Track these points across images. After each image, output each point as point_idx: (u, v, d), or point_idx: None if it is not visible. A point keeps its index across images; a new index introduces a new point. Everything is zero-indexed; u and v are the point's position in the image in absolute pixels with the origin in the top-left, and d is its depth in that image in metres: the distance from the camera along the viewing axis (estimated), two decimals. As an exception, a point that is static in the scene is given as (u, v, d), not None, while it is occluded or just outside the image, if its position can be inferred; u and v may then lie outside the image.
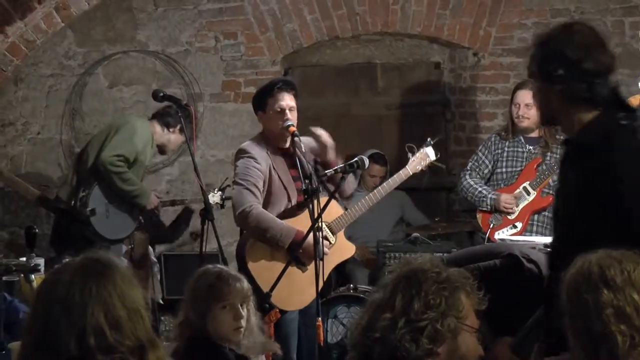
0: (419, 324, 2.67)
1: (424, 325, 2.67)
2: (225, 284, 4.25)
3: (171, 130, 7.23)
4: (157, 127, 7.22)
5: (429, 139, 6.28)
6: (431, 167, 6.27)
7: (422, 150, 6.23)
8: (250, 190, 5.65)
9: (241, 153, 5.79)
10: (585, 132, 3.56)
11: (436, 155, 6.24)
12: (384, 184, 6.13)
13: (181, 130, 7.13)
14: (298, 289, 5.56)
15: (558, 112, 3.66)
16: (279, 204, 5.76)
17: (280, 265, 5.38)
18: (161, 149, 7.32)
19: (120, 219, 7.03)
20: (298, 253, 5.50)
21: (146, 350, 2.58)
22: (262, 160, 5.71)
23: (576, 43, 3.59)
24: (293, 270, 5.55)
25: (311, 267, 5.48)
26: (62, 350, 2.53)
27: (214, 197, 7.13)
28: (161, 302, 7.09)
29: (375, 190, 6.07)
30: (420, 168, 6.21)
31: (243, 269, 5.52)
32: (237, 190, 5.69)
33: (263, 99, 5.80)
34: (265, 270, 5.51)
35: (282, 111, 5.72)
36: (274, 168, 5.75)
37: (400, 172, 6.13)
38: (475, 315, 2.79)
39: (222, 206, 7.17)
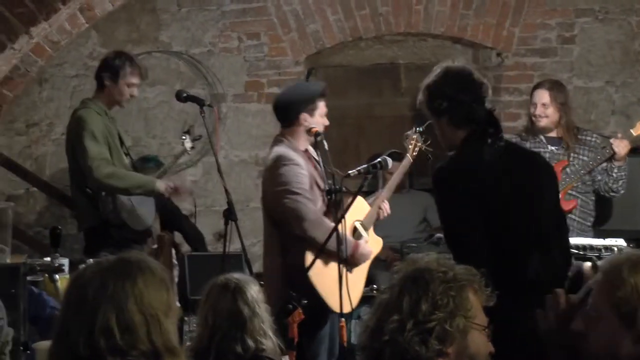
0: (427, 325, 2.65)
1: (432, 326, 2.65)
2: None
3: (109, 83, 6.68)
4: (101, 95, 6.75)
5: (415, 127, 6.29)
6: (423, 152, 6.30)
7: (413, 136, 6.26)
8: (310, 199, 5.67)
9: (284, 160, 5.71)
10: (459, 151, 4.42)
11: (425, 142, 6.23)
12: (394, 174, 6.21)
13: (132, 74, 6.68)
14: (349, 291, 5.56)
15: (450, 139, 4.47)
16: (317, 207, 5.78)
17: (333, 270, 5.48)
18: (117, 105, 6.84)
19: (144, 205, 6.86)
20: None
21: (161, 356, 2.56)
22: (304, 166, 5.72)
23: (451, 80, 4.45)
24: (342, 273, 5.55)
25: (357, 268, 5.72)
26: (73, 348, 2.53)
27: (186, 143, 6.97)
28: (177, 304, 7.07)
29: (389, 182, 6.15)
30: (415, 154, 6.24)
31: (302, 279, 5.47)
32: (296, 200, 5.63)
33: (315, 102, 5.85)
34: (324, 277, 5.57)
35: (326, 114, 5.88)
36: (310, 172, 5.76)
37: (403, 161, 6.17)
38: (483, 312, 2.77)
39: (193, 148, 7.07)
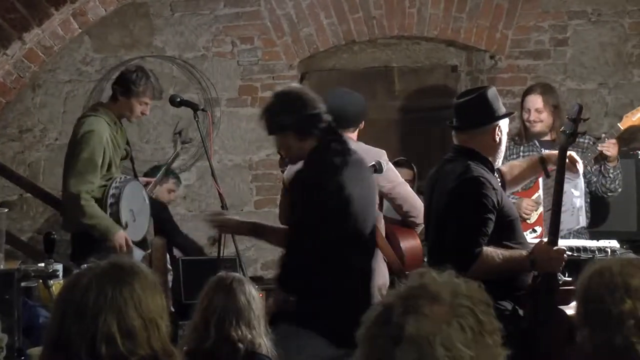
0: None
1: None
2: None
3: (121, 99, 6.67)
4: (113, 105, 6.74)
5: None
6: None
7: None
8: None
9: None
10: (309, 159, 4.93)
11: None
12: None
13: (144, 93, 6.64)
14: None
15: (297, 151, 4.95)
16: None
17: None
18: (127, 119, 6.86)
19: (142, 217, 6.85)
20: None
21: None
22: None
23: (293, 97, 5.00)
24: None
25: None
26: (73, 355, 2.52)
27: (177, 144, 6.83)
28: (172, 309, 7.06)
29: None
30: None
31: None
32: None
33: None
34: None
35: None
36: None
37: None
38: None
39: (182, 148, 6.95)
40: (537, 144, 6.97)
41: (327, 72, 8.66)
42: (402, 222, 6.24)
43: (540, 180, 5.46)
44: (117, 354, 2.51)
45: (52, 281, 5.68)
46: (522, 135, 7.08)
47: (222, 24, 8.34)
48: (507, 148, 7.01)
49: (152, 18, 8.35)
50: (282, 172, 6.33)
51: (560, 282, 4.63)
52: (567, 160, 5.08)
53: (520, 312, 4.65)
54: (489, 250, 4.68)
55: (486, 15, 8.24)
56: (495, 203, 4.75)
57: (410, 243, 6.12)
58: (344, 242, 4.79)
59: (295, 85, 5.29)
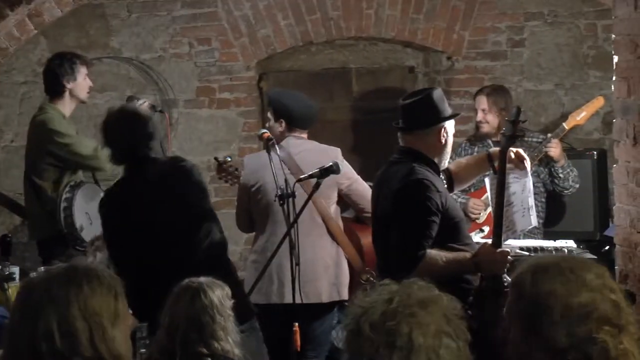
0: None
1: None
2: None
3: (70, 85, 6.80)
4: (59, 101, 6.84)
5: None
6: None
7: None
8: None
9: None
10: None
11: None
12: None
13: (82, 66, 6.85)
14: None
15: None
16: None
17: None
18: (81, 102, 6.99)
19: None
20: None
21: None
22: None
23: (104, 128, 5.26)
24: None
25: None
26: (18, 354, 2.52)
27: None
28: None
29: None
30: None
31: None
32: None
33: None
34: None
35: None
36: None
37: None
38: None
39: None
40: (491, 143, 7.01)
41: (285, 73, 8.65)
42: (357, 218, 6.26)
43: (487, 180, 5.48)
44: (55, 352, 2.50)
45: (8, 283, 5.66)
46: (477, 136, 7.17)
47: (179, 25, 8.31)
48: (462, 148, 7.11)
49: (109, 19, 8.30)
50: (226, 180, 6.45)
51: (506, 284, 4.61)
52: (514, 158, 5.10)
53: (469, 312, 4.66)
54: (433, 252, 4.70)
55: (443, 16, 8.27)
56: (440, 205, 4.76)
57: (370, 239, 6.14)
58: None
59: (113, 111, 5.38)
